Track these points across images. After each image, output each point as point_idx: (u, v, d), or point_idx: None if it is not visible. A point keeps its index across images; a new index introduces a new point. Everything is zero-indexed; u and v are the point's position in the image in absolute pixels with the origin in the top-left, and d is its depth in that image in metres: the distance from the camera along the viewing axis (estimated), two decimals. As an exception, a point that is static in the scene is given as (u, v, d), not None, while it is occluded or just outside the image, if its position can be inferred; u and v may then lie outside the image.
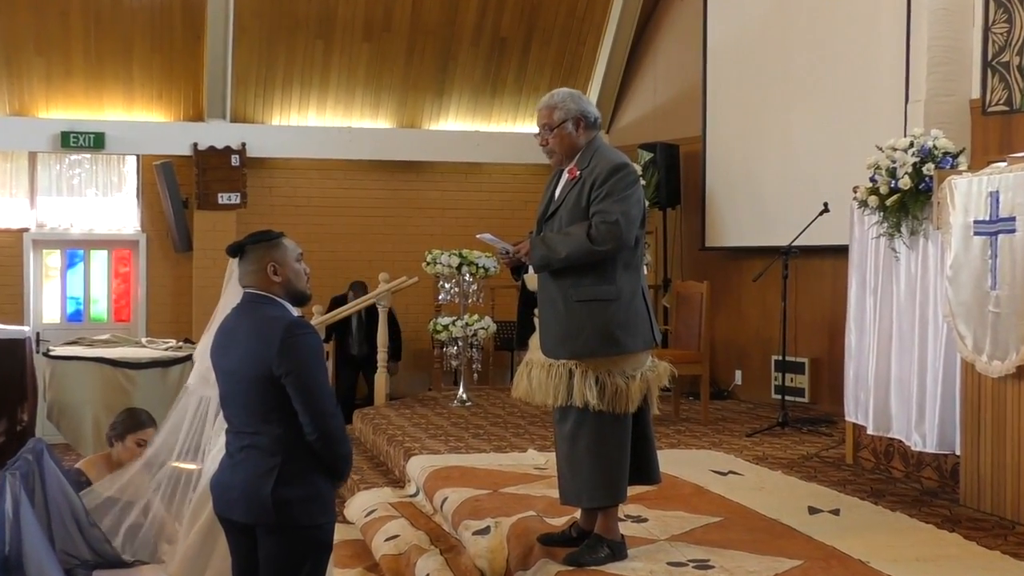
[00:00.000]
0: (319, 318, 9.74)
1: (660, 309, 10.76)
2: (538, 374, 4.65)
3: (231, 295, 4.69)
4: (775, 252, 8.48)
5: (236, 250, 3.94)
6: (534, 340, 4.76)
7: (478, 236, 4.92)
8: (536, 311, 4.79)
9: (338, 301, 11.47)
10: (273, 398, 3.72)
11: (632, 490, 4.76)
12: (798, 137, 9.64)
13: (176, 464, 5.02)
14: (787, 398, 8.59)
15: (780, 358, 8.68)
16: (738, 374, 10.58)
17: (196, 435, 4.97)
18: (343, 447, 3.81)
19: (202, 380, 4.87)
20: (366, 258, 12.27)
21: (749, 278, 9.21)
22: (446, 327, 9.63)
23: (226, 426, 3.97)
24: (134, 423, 5.83)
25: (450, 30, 11.97)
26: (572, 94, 4.76)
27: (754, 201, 10.09)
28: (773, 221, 9.71)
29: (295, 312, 3.93)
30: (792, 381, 9.53)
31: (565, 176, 4.74)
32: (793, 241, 8.25)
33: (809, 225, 8.17)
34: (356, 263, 11.99)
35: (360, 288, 11.45)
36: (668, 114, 11.81)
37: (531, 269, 4.77)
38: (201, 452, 4.88)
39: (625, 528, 4.85)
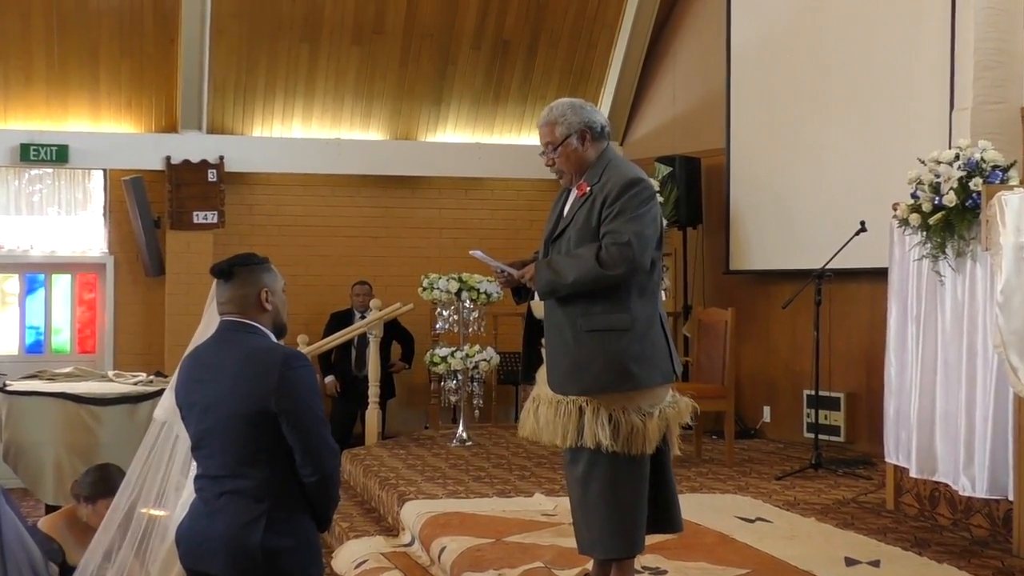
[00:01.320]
0: (304, 348, 9.72)
1: (680, 339, 10.75)
2: (545, 411, 4.64)
3: (212, 322, 4.70)
4: (807, 276, 8.47)
5: (224, 271, 3.93)
6: (541, 374, 4.76)
7: (471, 253, 4.93)
8: (543, 341, 4.78)
9: (338, 318, 11.47)
10: (264, 437, 3.71)
11: (650, 539, 4.75)
12: (832, 149, 9.65)
13: (146, 511, 5.01)
14: (821, 437, 8.57)
15: (813, 393, 8.66)
16: (766, 411, 10.56)
17: (164, 476, 4.97)
18: (337, 490, 3.84)
19: (172, 412, 4.87)
20: (355, 282, 12.26)
21: (778, 305, 9.20)
22: (444, 359, 9.63)
23: (195, 469, 3.95)
24: (107, 488, 5.77)
25: (448, 32, 12.01)
26: (573, 105, 4.76)
27: (783, 220, 10.09)
28: (804, 242, 9.71)
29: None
30: (826, 418, 9.51)
31: (574, 193, 4.74)
32: (827, 264, 8.25)
33: (844, 246, 8.16)
34: (345, 288, 11.97)
35: (364, 284, 11.57)
36: (688, 124, 11.83)
37: (536, 295, 4.77)
38: (164, 496, 4.88)
39: (642, 582, 4.84)
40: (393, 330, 11.13)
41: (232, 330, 3.89)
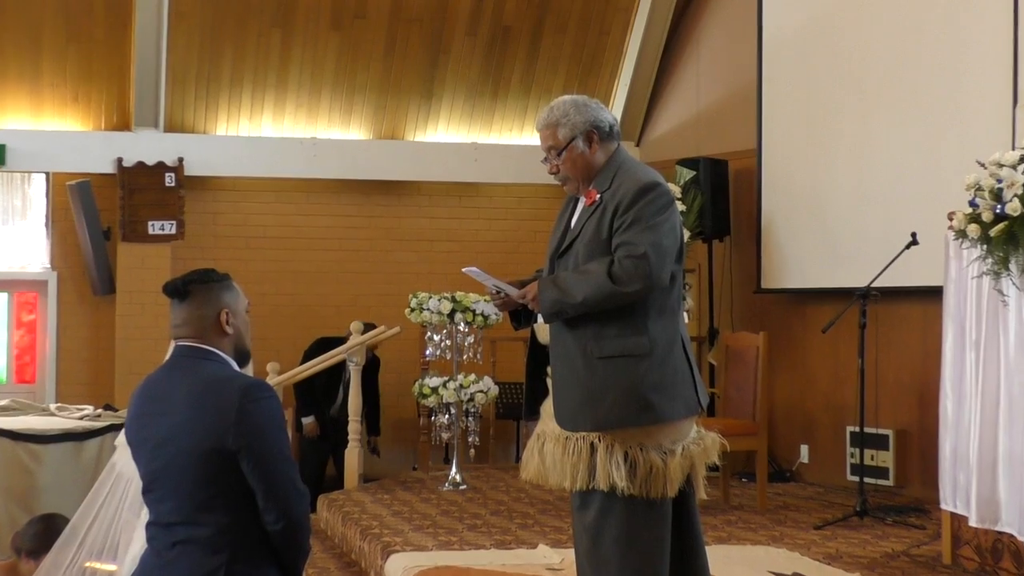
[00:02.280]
0: (275, 378, 9.72)
1: (705, 367, 10.74)
2: (552, 450, 4.64)
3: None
4: (850, 296, 8.46)
5: (178, 290, 3.93)
6: (547, 407, 4.76)
7: (464, 270, 4.94)
8: (549, 370, 4.78)
9: (327, 345, 11.42)
10: (221, 479, 3.71)
11: (671, 597, 4.74)
12: (879, 150, 9.66)
13: (91, 564, 5.02)
14: (866, 480, 8.55)
15: (857, 430, 8.65)
16: (804, 450, 10.55)
17: (114, 524, 4.97)
18: (307, 539, 3.84)
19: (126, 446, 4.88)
20: (334, 303, 12.26)
21: (817, 329, 9.19)
22: (435, 390, 9.62)
23: (147, 515, 3.95)
24: (53, 541, 5.79)
25: (440, 16, 12.03)
26: (575, 102, 4.77)
27: (823, 231, 10.09)
28: (847, 256, 9.71)
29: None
30: (873, 459, 9.50)
31: (582, 202, 4.75)
32: (872, 281, 8.24)
33: (893, 261, 8.16)
34: (322, 309, 11.99)
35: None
36: (714, 122, 11.85)
37: (540, 318, 4.77)
38: (114, 547, 4.88)
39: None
40: (369, 365, 11.07)
41: (187, 356, 3.89)
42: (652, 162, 9.88)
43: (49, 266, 12.13)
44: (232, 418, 3.69)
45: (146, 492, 3.91)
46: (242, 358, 3.96)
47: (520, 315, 4.87)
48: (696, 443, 4.68)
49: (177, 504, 3.78)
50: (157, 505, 3.86)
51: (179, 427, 3.76)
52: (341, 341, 10.61)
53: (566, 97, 4.84)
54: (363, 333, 10.06)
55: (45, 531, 5.93)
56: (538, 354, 4.85)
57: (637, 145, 12.58)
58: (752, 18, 10.88)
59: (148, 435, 3.86)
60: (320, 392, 11.24)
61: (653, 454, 4.53)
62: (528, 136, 12.66)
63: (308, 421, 11.30)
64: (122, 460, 5.61)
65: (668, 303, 4.62)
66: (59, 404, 10.16)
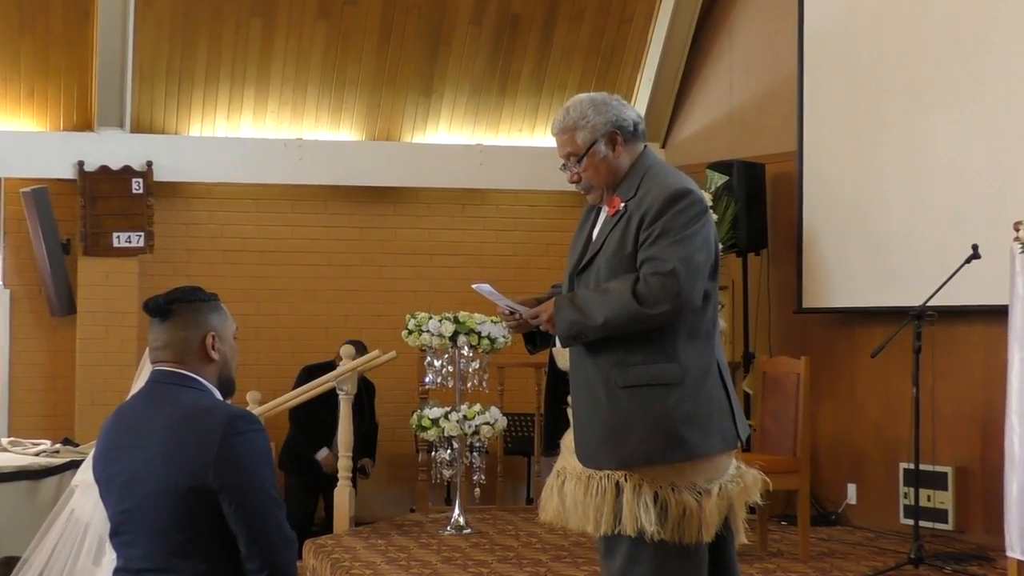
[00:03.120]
0: (256, 408, 9.72)
1: (740, 396, 10.73)
2: (573, 489, 4.65)
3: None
4: (902, 316, 8.46)
5: (161, 308, 3.95)
6: (568, 442, 4.75)
7: (474, 287, 4.94)
8: (570, 400, 4.78)
9: (313, 373, 11.43)
10: (200, 521, 3.72)
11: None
12: (934, 155, 9.66)
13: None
14: (922, 524, 8.54)
15: (912, 467, 8.64)
16: (851, 489, 10.53)
17: (67, 571, 4.98)
18: None
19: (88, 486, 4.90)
20: (322, 324, 12.26)
21: (866, 353, 9.18)
22: (435, 422, 9.62)
23: (113, 561, 3.95)
24: None
25: (442, 3, 12.05)
26: (594, 101, 4.79)
27: (873, 243, 10.10)
28: (900, 272, 9.72)
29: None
30: (929, 500, 9.49)
31: (605, 211, 4.75)
32: (928, 300, 8.24)
33: (951, 277, 8.16)
34: (308, 331, 11.99)
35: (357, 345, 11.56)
36: (749, 122, 11.86)
37: (559, 341, 4.77)
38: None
39: None
40: (364, 389, 11.09)
41: (165, 383, 3.91)
42: (680, 166, 9.79)
43: (1, 283, 12.13)
44: (213, 452, 3.70)
45: (114, 535, 3.92)
46: (226, 388, 3.98)
47: (536, 337, 4.87)
48: (735, 481, 4.68)
49: (149, 549, 3.79)
50: (126, 549, 3.86)
51: (153, 462, 3.77)
52: (330, 367, 10.63)
53: (583, 96, 4.84)
54: (355, 358, 10.05)
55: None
56: (558, 382, 4.85)
57: (663, 147, 12.59)
58: (792, 5, 10.90)
59: (118, 470, 3.87)
60: (323, 425, 11.26)
61: (686, 494, 4.53)
62: (540, 137, 12.68)
63: (324, 455, 11.42)
64: (81, 504, 5.61)
65: (701, 325, 4.62)
66: (12, 438, 10.14)
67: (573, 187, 4.88)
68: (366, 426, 11.37)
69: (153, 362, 3.96)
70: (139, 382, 4.66)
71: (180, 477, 3.71)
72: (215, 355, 3.93)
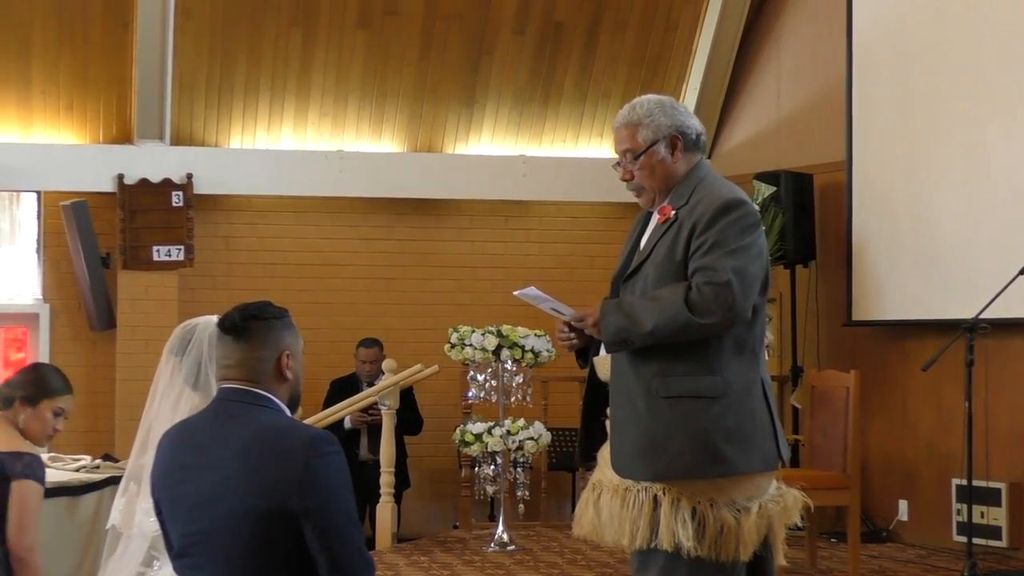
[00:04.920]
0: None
1: (787, 411, 10.70)
2: (609, 502, 4.64)
3: (170, 395, 4.71)
4: (955, 329, 8.42)
5: (236, 326, 3.92)
6: (604, 453, 4.75)
7: (517, 293, 4.94)
8: (608, 411, 4.77)
9: (339, 386, 11.46)
10: (277, 547, 3.67)
11: None
12: (990, 163, 9.62)
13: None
14: (976, 541, 8.49)
15: (965, 483, 8.59)
16: (903, 506, 10.49)
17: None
18: None
19: (129, 516, 4.90)
20: (363, 338, 12.28)
21: (917, 366, 9.15)
22: (479, 437, 9.62)
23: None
24: (47, 387, 6.13)
25: (483, 12, 12.07)
26: (661, 103, 4.80)
27: (925, 254, 10.06)
28: (953, 283, 9.68)
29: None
30: (983, 516, 9.44)
31: (655, 218, 4.75)
32: (982, 312, 8.20)
33: (1004, 289, 8.12)
34: (349, 346, 11.99)
35: (372, 347, 11.57)
36: (797, 131, 11.83)
37: (602, 349, 4.76)
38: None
39: None
40: (406, 403, 11.10)
41: (236, 401, 3.86)
42: (726, 176, 9.76)
43: (41, 297, 12.20)
44: (296, 476, 3.65)
45: (179, 558, 3.85)
46: (296, 405, 3.96)
47: (587, 352, 4.86)
48: (775, 501, 4.67)
49: (218, 573, 3.74)
50: (193, 572, 3.80)
51: (228, 483, 3.71)
52: (353, 378, 10.98)
53: (652, 96, 4.87)
54: (378, 358, 10.08)
55: (37, 379, 6.17)
56: (597, 392, 4.82)
57: (708, 157, 12.44)
58: (841, 10, 10.87)
59: (185, 492, 3.81)
60: (344, 433, 11.28)
61: (725, 511, 4.52)
62: (583, 148, 12.67)
63: (348, 419, 11.41)
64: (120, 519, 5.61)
65: (748, 340, 4.61)
66: (52, 454, 10.18)
67: (616, 196, 4.88)
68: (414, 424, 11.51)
69: (221, 380, 3.91)
70: (162, 396, 4.65)
71: (259, 500, 3.66)
72: (289, 374, 3.91)
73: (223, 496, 3.72)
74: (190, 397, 4.80)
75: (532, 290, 4.85)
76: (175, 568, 3.88)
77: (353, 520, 3.76)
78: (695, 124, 4.81)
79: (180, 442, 3.93)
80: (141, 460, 4.95)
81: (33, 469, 5.86)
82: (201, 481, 3.78)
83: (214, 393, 4.04)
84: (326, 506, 3.68)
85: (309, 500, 3.65)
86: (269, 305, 3.97)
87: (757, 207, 9.75)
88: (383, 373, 10.24)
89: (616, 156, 4.87)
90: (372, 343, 11.64)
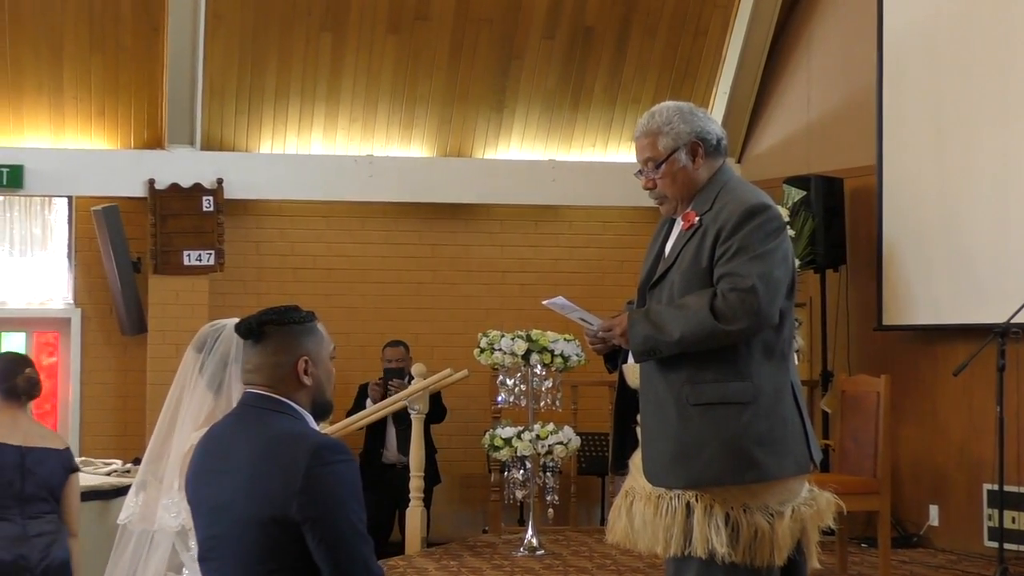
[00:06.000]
0: (327, 429, 9.76)
1: (818, 415, 10.67)
2: (642, 509, 4.64)
3: (195, 398, 4.73)
4: (986, 333, 8.40)
5: (252, 330, 3.92)
6: (636, 461, 4.75)
7: (545, 303, 4.95)
8: (639, 418, 4.77)
9: (367, 390, 11.51)
10: (283, 553, 3.68)
11: None
12: (1022, 168, 9.60)
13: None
14: (1007, 547, 8.47)
15: (996, 488, 8.57)
16: (933, 511, 10.45)
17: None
18: None
19: (143, 514, 4.93)
20: (388, 343, 12.29)
21: (948, 371, 9.12)
22: (508, 442, 9.63)
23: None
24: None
25: (513, 17, 12.08)
26: (680, 110, 4.80)
27: (955, 258, 10.03)
28: (984, 287, 9.65)
29: (315, 427, 3.92)
30: (1014, 522, 9.41)
31: (679, 224, 4.75)
32: (1013, 316, 8.18)
33: (1036, 293, 8.11)
34: (379, 350, 12.00)
35: (398, 346, 11.60)
36: (827, 135, 11.81)
37: (631, 357, 4.77)
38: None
39: None
40: (435, 407, 11.12)
41: (255, 406, 3.88)
42: (756, 181, 9.80)
43: (72, 302, 12.24)
44: (298, 484, 3.65)
45: (203, 559, 3.89)
46: (321, 411, 3.94)
47: (616, 357, 4.87)
48: (808, 504, 4.66)
49: None
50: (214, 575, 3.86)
51: (240, 489, 3.73)
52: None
53: (670, 103, 4.86)
54: (425, 377, 10.08)
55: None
56: (627, 399, 4.82)
57: (738, 161, 12.55)
58: (872, 14, 10.85)
59: (206, 496, 3.86)
60: (367, 435, 11.31)
61: (758, 516, 4.52)
62: (613, 152, 12.68)
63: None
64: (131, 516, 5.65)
65: (777, 344, 4.61)
66: (83, 458, 10.22)
67: (647, 200, 4.88)
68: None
69: (245, 384, 3.92)
70: (180, 401, 4.67)
71: (264, 507, 3.68)
72: (308, 380, 3.89)
73: (236, 501, 3.74)
74: (204, 396, 4.82)
75: (560, 300, 4.86)
76: (201, 570, 3.90)
77: (358, 531, 3.71)
78: (715, 129, 4.80)
79: (205, 446, 3.97)
80: (160, 458, 4.98)
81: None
82: (219, 485, 3.81)
83: (236, 397, 4.06)
84: (328, 516, 3.66)
85: (309, 509, 3.65)
86: (291, 309, 3.96)
87: (783, 211, 9.79)
88: (410, 376, 10.25)
89: (639, 165, 4.87)
90: (397, 343, 11.67)
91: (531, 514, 9.84)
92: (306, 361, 3.89)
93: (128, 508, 5.15)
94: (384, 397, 11.03)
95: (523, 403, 9.75)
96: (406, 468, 10.38)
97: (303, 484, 3.65)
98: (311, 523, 3.65)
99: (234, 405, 4.10)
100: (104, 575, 5.27)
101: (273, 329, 3.90)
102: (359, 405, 11.28)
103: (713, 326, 4.48)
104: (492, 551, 9.83)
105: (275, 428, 3.81)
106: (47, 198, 12.21)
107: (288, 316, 3.93)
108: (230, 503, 3.75)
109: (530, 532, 9.74)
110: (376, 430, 11.35)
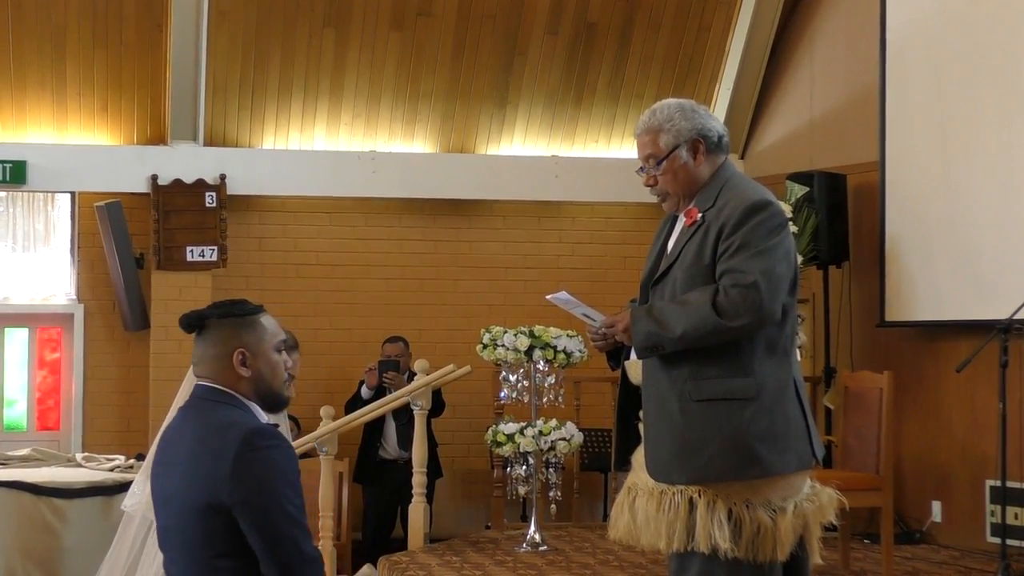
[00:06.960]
0: (329, 425, 9.76)
1: (820, 412, 10.67)
2: (645, 505, 4.64)
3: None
4: (989, 329, 8.39)
5: (194, 323, 4.00)
6: (639, 457, 4.75)
7: (549, 298, 4.95)
8: (641, 415, 4.77)
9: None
10: (224, 539, 3.74)
11: None
12: (1025, 162, 9.60)
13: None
14: (1010, 543, 8.46)
15: (999, 484, 8.56)
16: (936, 507, 10.45)
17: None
18: None
19: (146, 502, 4.96)
20: (387, 339, 12.29)
21: (951, 367, 9.12)
22: (511, 438, 9.62)
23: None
24: None
25: (516, 13, 12.07)
26: (681, 107, 4.80)
27: (958, 255, 10.02)
28: (987, 284, 9.64)
29: (264, 417, 3.95)
30: (1017, 518, 9.41)
31: (681, 221, 4.75)
32: (1016, 312, 8.18)
33: (1038, 289, 8.10)
34: (380, 346, 12.01)
35: (397, 342, 11.58)
36: (830, 131, 11.80)
37: (633, 353, 4.77)
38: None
39: None
40: (434, 402, 11.12)
41: (203, 398, 3.95)
42: (759, 177, 9.82)
43: (75, 298, 12.25)
44: (227, 469, 3.71)
45: (162, 551, 3.98)
46: (270, 402, 3.98)
47: (619, 354, 4.87)
48: (810, 500, 4.67)
49: (184, 566, 3.83)
50: (170, 566, 3.92)
51: (182, 479, 3.81)
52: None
53: (671, 100, 4.86)
54: (428, 373, 10.07)
55: None
56: (630, 396, 4.82)
57: (741, 158, 12.55)
58: (874, 10, 10.84)
59: (158, 488, 3.95)
60: (365, 430, 11.31)
61: (761, 512, 4.52)
62: (616, 148, 12.67)
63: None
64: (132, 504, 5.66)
65: (779, 340, 4.61)
66: (86, 454, 10.23)
67: (649, 198, 4.89)
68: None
69: (195, 376, 3.99)
70: (181, 397, 4.70)
71: (201, 494, 3.74)
72: (245, 372, 3.93)
73: (179, 491, 3.81)
74: None
75: (564, 294, 4.86)
76: (164, 563, 3.98)
77: (289, 514, 3.75)
78: (716, 126, 4.80)
79: (160, 440, 4.06)
80: None
81: None
82: (167, 477, 3.89)
83: None
84: (257, 500, 3.71)
85: (238, 494, 3.70)
86: (236, 303, 4.04)
87: (786, 207, 9.78)
88: (412, 372, 10.26)
89: (640, 162, 4.87)
90: (397, 339, 11.68)
91: (534, 510, 9.83)
92: (242, 353, 3.94)
93: (133, 495, 5.19)
94: (379, 382, 11.07)
95: (526, 399, 9.74)
96: (407, 464, 10.39)
97: (231, 469, 3.71)
98: (240, 507, 3.71)
99: None
100: (106, 557, 5.32)
101: (213, 322, 3.98)
102: (356, 396, 11.30)
103: (716, 322, 4.48)
104: (495, 547, 9.83)
105: (217, 418, 3.87)
106: (50, 194, 12.22)
107: (228, 309, 4.02)
108: (175, 494, 3.83)
109: (533, 528, 9.73)
110: (374, 426, 11.34)
